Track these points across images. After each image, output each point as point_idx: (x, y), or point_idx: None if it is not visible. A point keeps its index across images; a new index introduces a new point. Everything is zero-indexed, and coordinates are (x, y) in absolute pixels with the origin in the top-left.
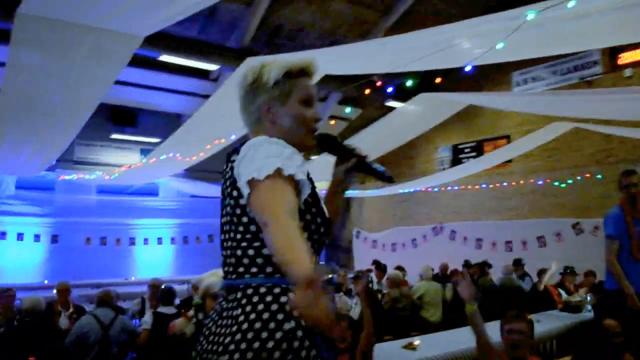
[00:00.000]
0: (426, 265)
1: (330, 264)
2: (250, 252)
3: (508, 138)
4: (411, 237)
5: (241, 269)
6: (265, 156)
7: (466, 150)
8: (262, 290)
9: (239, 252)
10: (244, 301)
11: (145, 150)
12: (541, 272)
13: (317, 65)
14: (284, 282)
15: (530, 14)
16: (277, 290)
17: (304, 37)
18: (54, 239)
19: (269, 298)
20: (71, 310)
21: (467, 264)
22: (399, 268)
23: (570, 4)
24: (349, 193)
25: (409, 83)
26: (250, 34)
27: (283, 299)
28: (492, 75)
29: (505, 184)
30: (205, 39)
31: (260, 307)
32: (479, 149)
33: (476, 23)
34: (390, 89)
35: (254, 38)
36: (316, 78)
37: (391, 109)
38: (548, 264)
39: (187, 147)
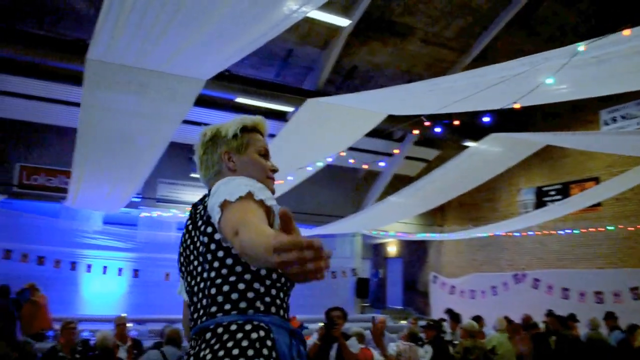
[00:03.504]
0: (501, 316)
1: None
2: (226, 287)
3: (597, 180)
4: (491, 284)
5: (214, 308)
6: (237, 185)
7: (551, 193)
8: (233, 327)
9: (213, 291)
10: (212, 341)
11: None
12: (632, 329)
13: (267, 125)
14: (256, 318)
15: (580, 46)
16: (248, 326)
17: (379, 78)
18: (135, 273)
19: (239, 335)
20: (129, 343)
21: (549, 314)
22: (477, 318)
23: (626, 32)
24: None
25: (455, 122)
26: (325, 76)
27: (254, 335)
28: (580, 114)
29: (594, 229)
30: (282, 81)
31: (230, 344)
32: (564, 192)
33: (522, 63)
34: (438, 129)
35: (329, 80)
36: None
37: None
38: None
39: None
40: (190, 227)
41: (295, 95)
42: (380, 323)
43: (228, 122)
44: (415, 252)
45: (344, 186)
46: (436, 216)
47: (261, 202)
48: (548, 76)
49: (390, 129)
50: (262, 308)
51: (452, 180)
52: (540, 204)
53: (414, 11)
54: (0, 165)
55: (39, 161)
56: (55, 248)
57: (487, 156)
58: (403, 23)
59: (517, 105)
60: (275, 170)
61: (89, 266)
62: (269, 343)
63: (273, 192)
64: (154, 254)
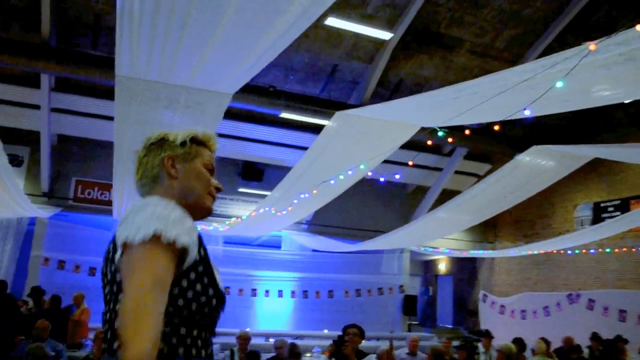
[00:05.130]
0: (539, 338)
1: None
2: None
3: None
4: (543, 304)
5: (115, 344)
6: (147, 218)
7: (609, 209)
8: None
9: (116, 324)
10: None
11: None
12: None
13: (217, 145)
14: None
15: (590, 45)
16: None
17: (426, 91)
18: None
19: None
20: None
21: (594, 337)
22: (517, 340)
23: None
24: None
25: (440, 133)
26: (370, 90)
27: None
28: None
29: None
30: (327, 96)
31: None
32: (624, 208)
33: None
34: (450, 140)
35: (374, 94)
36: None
37: None
38: None
39: (278, 201)
40: (110, 247)
41: (340, 110)
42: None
43: (178, 131)
44: (466, 269)
45: (391, 202)
46: (488, 233)
47: (169, 245)
48: (560, 79)
49: (413, 139)
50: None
51: (496, 194)
52: (597, 220)
53: (461, 22)
54: (58, 180)
55: (93, 175)
56: None
57: (532, 169)
58: (450, 35)
59: (527, 112)
60: (219, 189)
61: None
62: None
63: (210, 211)
64: None
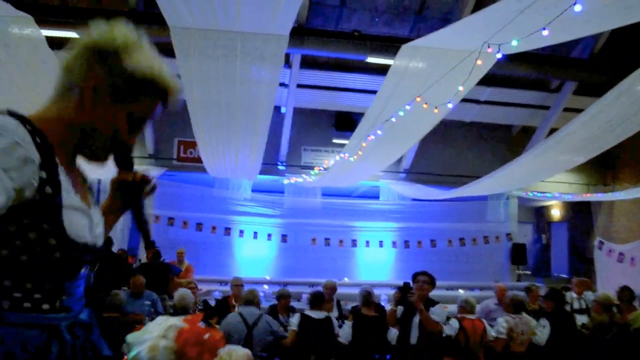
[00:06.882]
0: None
1: None
2: None
3: None
4: None
5: None
6: None
7: None
8: None
9: None
10: None
11: None
12: None
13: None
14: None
15: None
16: None
17: None
18: (284, 238)
19: None
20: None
21: None
22: (624, 289)
23: None
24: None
25: (514, 43)
26: None
27: None
28: None
29: None
30: (417, 36)
31: None
32: None
33: None
34: (499, 55)
35: None
36: None
37: None
38: None
39: (354, 148)
40: None
41: None
42: (421, 284)
43: (146, 53)
44: (582, 215)
45: (495, 145)
46: (605, 175)
47: None
48: None
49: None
50: None
51: (600, 128)
52: None
53: None
54: (162, 141)
55: (193, 135)
56: (211, 215)
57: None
58: None
59: (577, 8)
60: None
61: (241, 232)
62: None
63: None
64: (301, 219)
